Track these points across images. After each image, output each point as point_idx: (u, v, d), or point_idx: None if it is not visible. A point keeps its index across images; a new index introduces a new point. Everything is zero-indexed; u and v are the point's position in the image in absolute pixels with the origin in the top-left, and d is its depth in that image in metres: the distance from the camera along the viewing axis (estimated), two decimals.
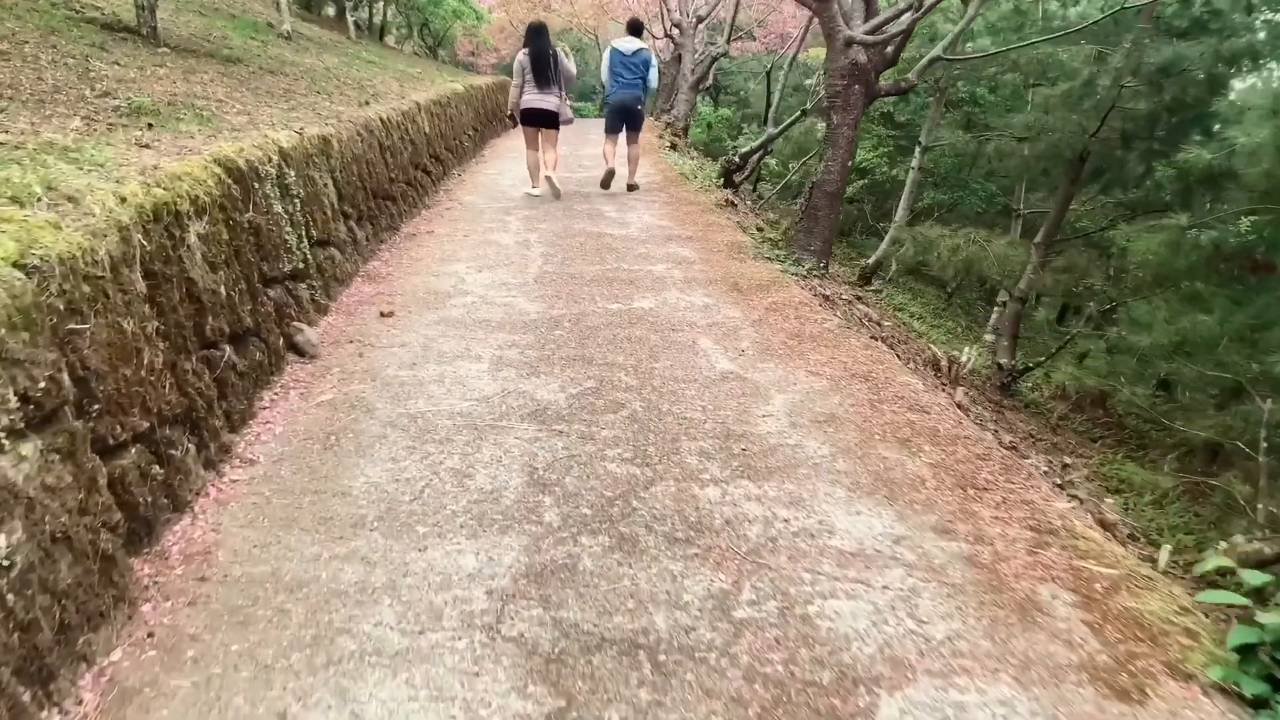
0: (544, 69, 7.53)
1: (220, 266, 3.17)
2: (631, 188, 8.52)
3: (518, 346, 4.09)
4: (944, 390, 4.90)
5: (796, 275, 5.64)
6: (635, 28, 8.65)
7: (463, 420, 3.22)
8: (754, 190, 15.13)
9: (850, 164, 6.45)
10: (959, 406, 4.02)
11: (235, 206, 3.47)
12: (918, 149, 13.92)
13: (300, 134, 4.53)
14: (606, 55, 8.27)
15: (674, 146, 12.57)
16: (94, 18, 5.90)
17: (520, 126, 7.74)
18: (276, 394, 3.40)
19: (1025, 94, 13.93)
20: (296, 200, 4.27)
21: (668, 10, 15.83)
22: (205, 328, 2.93)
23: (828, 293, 5.49)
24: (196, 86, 5.02)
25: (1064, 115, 11.40)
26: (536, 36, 7.59)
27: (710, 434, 3.16)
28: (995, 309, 13.98)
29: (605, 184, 8.42)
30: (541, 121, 7.62)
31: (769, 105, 15.57)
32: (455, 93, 10.56)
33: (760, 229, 7.52)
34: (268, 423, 3.15)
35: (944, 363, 5.91)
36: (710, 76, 17.48)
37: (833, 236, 6.80)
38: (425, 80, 11.07)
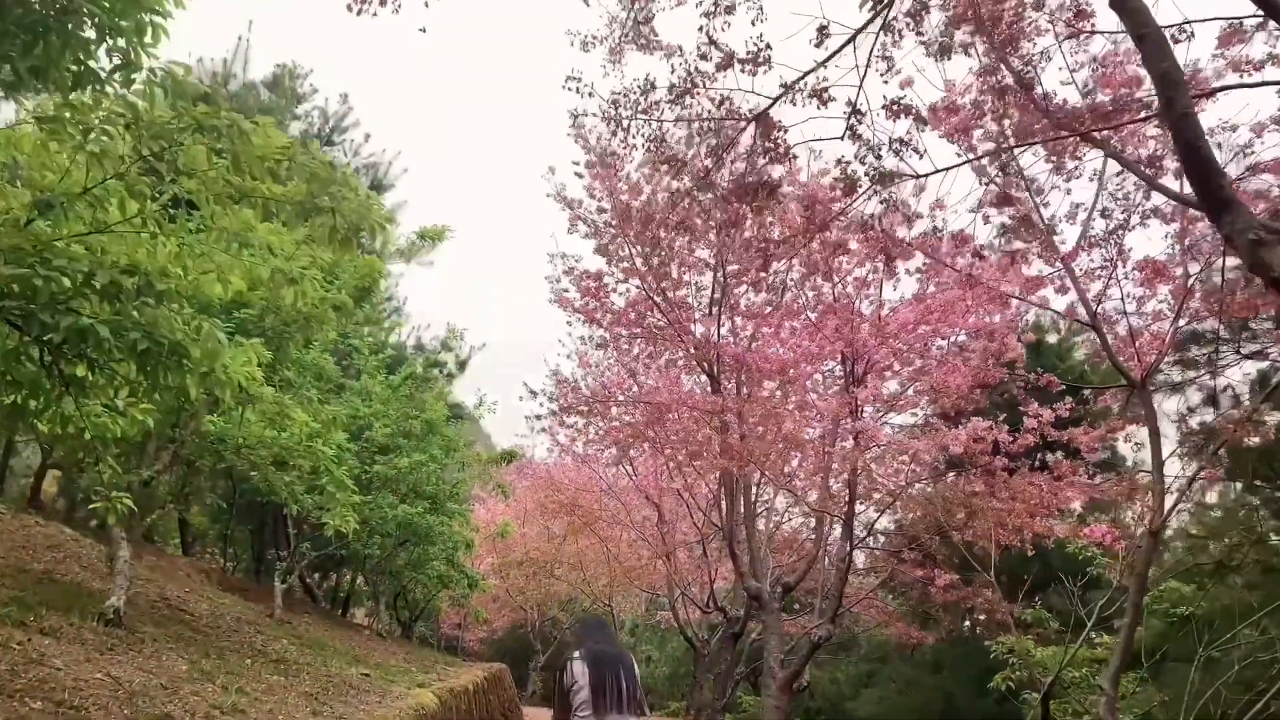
0: (613, 689, 4.16)
1: None
2: None
3: None
4: None
5: None
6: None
7: None
8: None
9: None
10: None
11: None
12: None
13: None
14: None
15: None
16: None
17: None
18: None
19: None
20: None
21: (736, 570, 9.81)
22: None
23: None
24: None
25: None
26: (598, 633, 4.52)
27: None
28: None
29: None
30: None
31: None
32: (420, 712, 5.99)
33: None
34: None
35: None
36: (807, 672, 10.97)
37: None
38: (371, 691, 6.51)
